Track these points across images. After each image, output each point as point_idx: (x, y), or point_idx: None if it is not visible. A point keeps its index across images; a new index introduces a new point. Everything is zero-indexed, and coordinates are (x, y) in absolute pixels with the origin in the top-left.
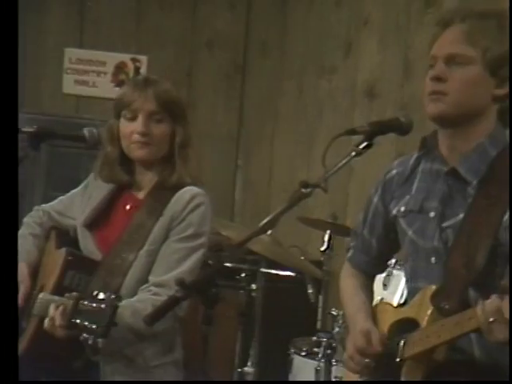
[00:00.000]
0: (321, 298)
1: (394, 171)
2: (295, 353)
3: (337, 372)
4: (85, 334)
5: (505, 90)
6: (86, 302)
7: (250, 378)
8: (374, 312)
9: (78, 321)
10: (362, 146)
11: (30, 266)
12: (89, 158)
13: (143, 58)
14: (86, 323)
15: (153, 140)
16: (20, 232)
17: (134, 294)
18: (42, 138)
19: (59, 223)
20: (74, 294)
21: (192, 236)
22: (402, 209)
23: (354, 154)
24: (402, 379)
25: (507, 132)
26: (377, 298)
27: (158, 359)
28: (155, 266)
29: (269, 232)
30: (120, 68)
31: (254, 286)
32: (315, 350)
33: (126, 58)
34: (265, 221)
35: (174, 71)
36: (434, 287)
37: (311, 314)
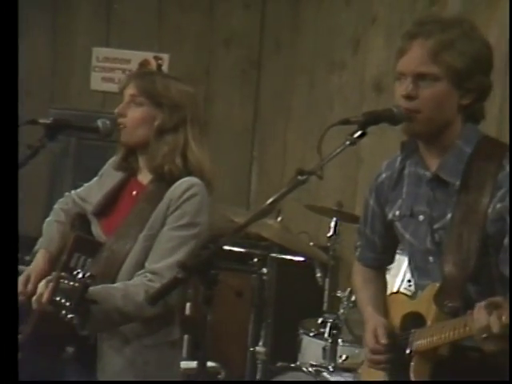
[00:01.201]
0: (327, 281)
1: (384, 175)
2: (304, 333)
3: (342, 351)
4: (63, 311)
5: (469, 100)
6: (65, 281)
7: (261, 357)
8: (387, 301)
9: (57, 298)
10: (356, 136)
11: (52, 252)
12: (114, 150)
13: (165, 56)
14: (63, 300)
15: (128, 122)
16: (48, 219)
17: (131, 276)
18: (58, 129)
19: (82, 208)
20: (57, 273)
21: (187, 225)
22: (397, 213)
23: (348, 143)
24: (412, 371)
25: (477, 127)
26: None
27: (152, 339)
28: (151, 253)
29: (279, 219)
30: (144, 65)
31: (265, 270)
32: (322, 330)
33: (149, 55)
34: (262, 206)
35: (194, 68)
36: (437, 285)
37: (319, 297)
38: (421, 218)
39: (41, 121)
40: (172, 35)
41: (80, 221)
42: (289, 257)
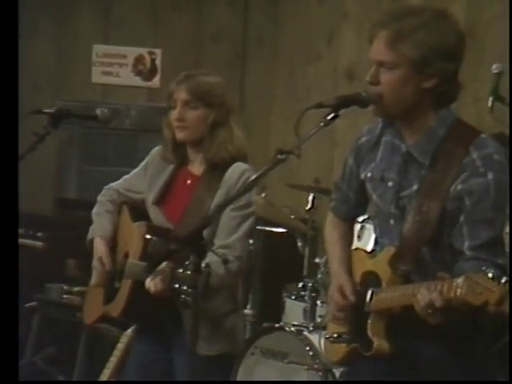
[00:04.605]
0: (307, 249)
1: (364, 138)
2: (287, 296)
3: (321, 311)
4: (183, 296)
5: (431, 84)
6: (181, 270)
7: (250, 319)
8: (351, 256)
9: (176, 285)
10: (329, 118)
11: (107, 239)
12: (116, 137)
13: (158, 51)
14: (185, 287)
15: (188, 124)
16: (95, 210)
17: None
18: (61, 117)
19: (129, 198)
20: (170, 264)
21: (245, 205)
22: (369, 175)
23: (322, 124)
24: (369, 329)
25: (452, 110)
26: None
27: (226, 307)
28: (218, 232)
29: (263, 195)
30: (138, 60)
31: (251, 241)
32: (302, 293)
33: (143, 51)
34: (246, 183)
35: (184, 61)
36: (393, 249)
37: (300, 264)
38: (390, 184)
39: (45, 110)
40: (164, 32)
41: (130, 209)
42: (273, 229)
